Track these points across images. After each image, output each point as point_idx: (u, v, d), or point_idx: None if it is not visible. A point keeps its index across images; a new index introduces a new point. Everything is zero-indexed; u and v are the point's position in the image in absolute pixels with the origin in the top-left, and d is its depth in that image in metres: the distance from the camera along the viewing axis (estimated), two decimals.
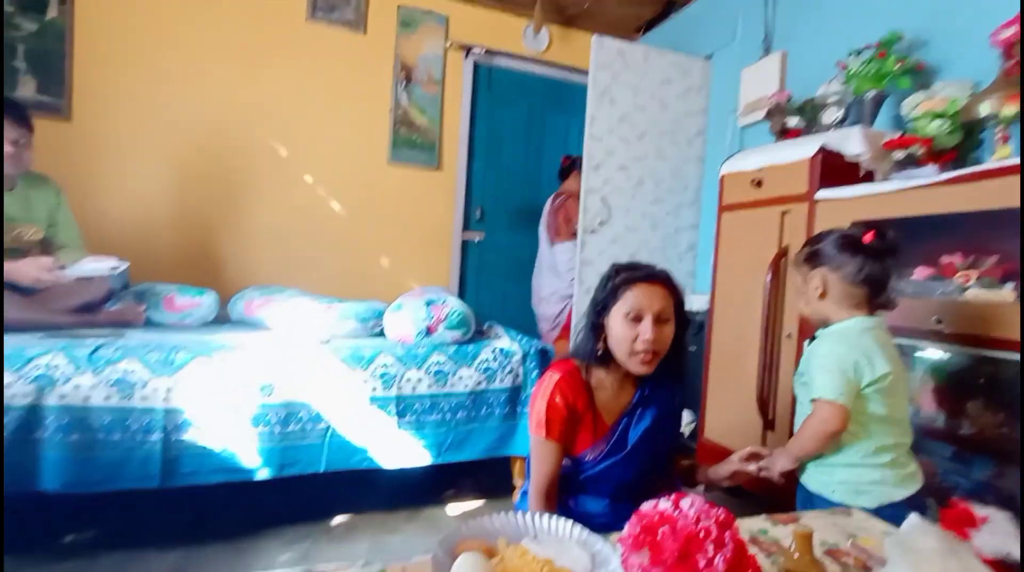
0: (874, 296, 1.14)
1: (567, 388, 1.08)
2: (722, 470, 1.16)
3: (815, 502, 1.14)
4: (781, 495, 1.29)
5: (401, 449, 1.71)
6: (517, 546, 0.77)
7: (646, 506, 0.69)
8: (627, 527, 0.68)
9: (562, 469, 1.13)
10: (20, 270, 1.66)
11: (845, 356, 1.09)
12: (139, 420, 1.44)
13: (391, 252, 3.20)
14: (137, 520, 1.61)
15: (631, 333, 1.05)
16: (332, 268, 3.03)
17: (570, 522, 0.84)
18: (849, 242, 1.14)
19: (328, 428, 1.63)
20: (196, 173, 2.76)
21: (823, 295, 1.16)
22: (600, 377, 1.13)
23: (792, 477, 1.19)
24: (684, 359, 1.20)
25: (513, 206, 3.52)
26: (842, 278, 1.13)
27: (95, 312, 1.86)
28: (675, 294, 1.10)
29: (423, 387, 1.76)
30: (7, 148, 1.68)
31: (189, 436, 1.48)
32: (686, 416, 2.48)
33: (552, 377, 1.10)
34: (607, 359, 1.11)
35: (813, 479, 1.16)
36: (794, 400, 1.36)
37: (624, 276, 1.08)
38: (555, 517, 0.85)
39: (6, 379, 1.35)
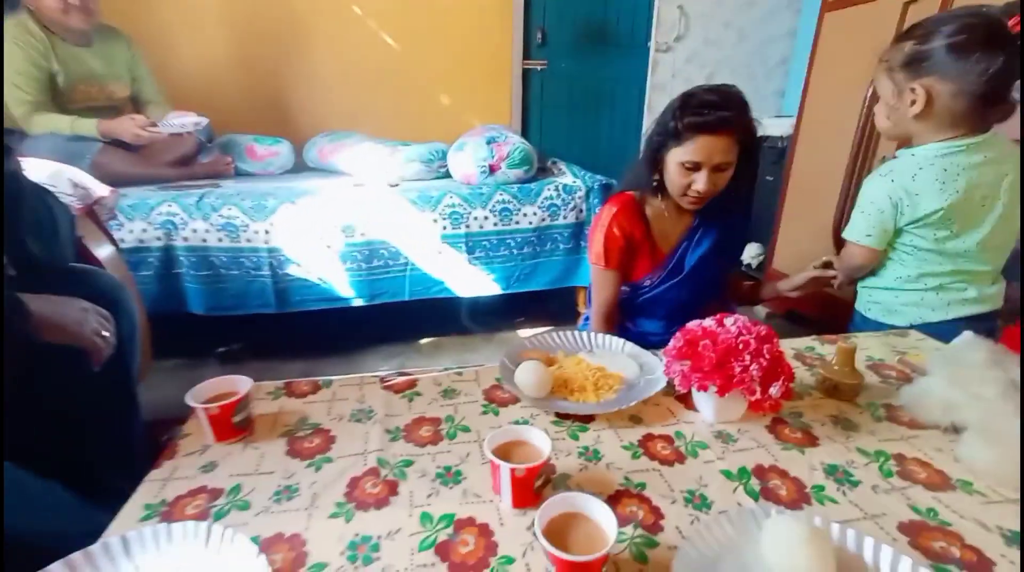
0: (990, 105, 0.95)
1: (624, 220, 1.11)
2: (796, 280, 1.19)
3: (855, 319, 1.20)
4: (837, 321, 1.32)
5: (473, 281, 1.88)
6: (574, 356, 0.89)
7: (692, 323, 0.76)
8: (672, 341, 0.75)
9: (621, 294, 1.21)
10: (119, 127, 1.80)
11: (885, 196, 1.02)
12: (249, 258, 1.67)
13: (450, 88, 3.07)
14: (271, 338, 1.96)
15: (684, 180, 1.01)
16: (394, 110, 2.99)
17: (622, 339, 0.94)
18: (978, 38, 0.89)
19: (407, 263, 1.81)
20: (252, 20, 2.67)
21: (922, 115, 0.97)
22: (657, 206, 1.13)
23: (845, 301, 1.21)
24: (750, 193, 1.16)
25: (578, 25, 3.14)
26: (956, 92, 0.93)
27: (190, 165, 2.04)
28: (745, 136, 1.00)
29: (489, 225, 1.84)
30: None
31: (292, 271, 1.71)
32: (754, 248, 2.45)
33: (609, 210, 1.12)
34: (663, 189, 1.09)
35: (858, 297, 1.20)
36: None
37: (690, 120, 0.97)
38: (608, 336, 0.96)
39: (138, 225, 1.58)
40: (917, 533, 0.54)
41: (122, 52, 1.97)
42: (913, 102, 0.98)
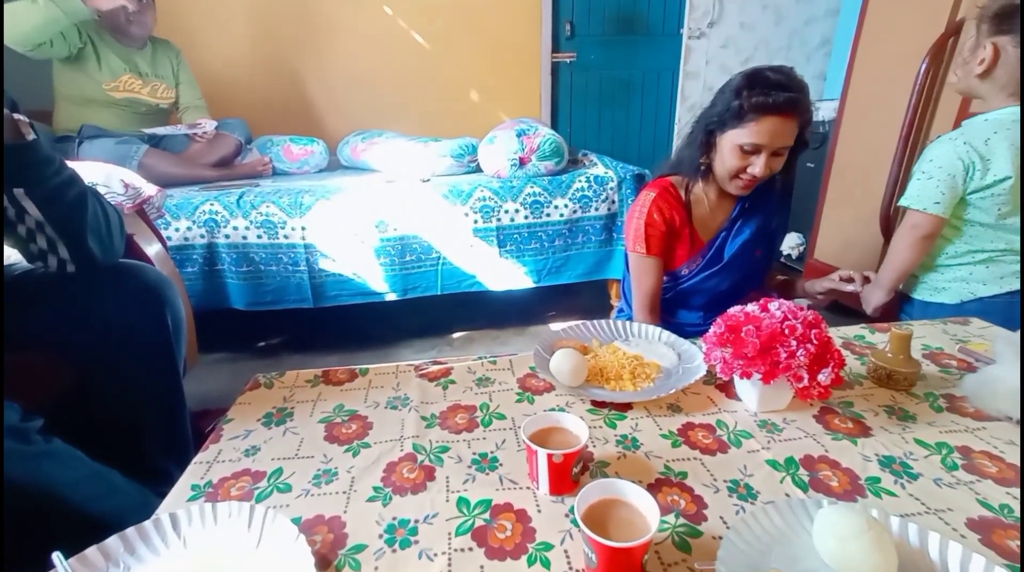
0: None
1: (664, 205, 1.07)
2: (818, 285, 1.13)
3: (903, 305, 1.13)
4: (884, 312, 1.26)
5: (505, 274, 1.88)
6: (609, 345, 0.87)
7: (734, 309, 0.73)
8: (712, 327, 0.73)
9: None
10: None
11: (956, 159, 0.96)
12: (287, 254, 1.71)
13: (479, 85, 3.07)
14: (308, 332, 2.01)
15: (740, 163, 0.96)
16: (424, 107, 3.02)
17: (657, 328, 0.92)
18: None
19: (440, 257, 1.82)
20: (282, 23, 2.74)
21: (986, 73, 0.94)
22: (698, 192, 1.09)
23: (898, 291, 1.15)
24: (791, 180, 1.11)
25: (606, 16, 3.09)
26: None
27: (230, 166, 2.11)
28: (804, 120, 0.94)
29: (520, 218, 1.83)
30: (130, 6, 1.79)
31: (327, 267, 1.75)
32: (794, 238, 2.36)
33: (648, 195, 1.09)
34: (708, 173, 1.06)
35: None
36: None
37: (757, 100, 0.91)
38: (643, 324, 0.93)
39: (183, 223, 1.65)
40: (990, 530, 0.50)
41: (168, 57, 2.07)
42: (982, 60, 0.94)
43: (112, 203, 0.97)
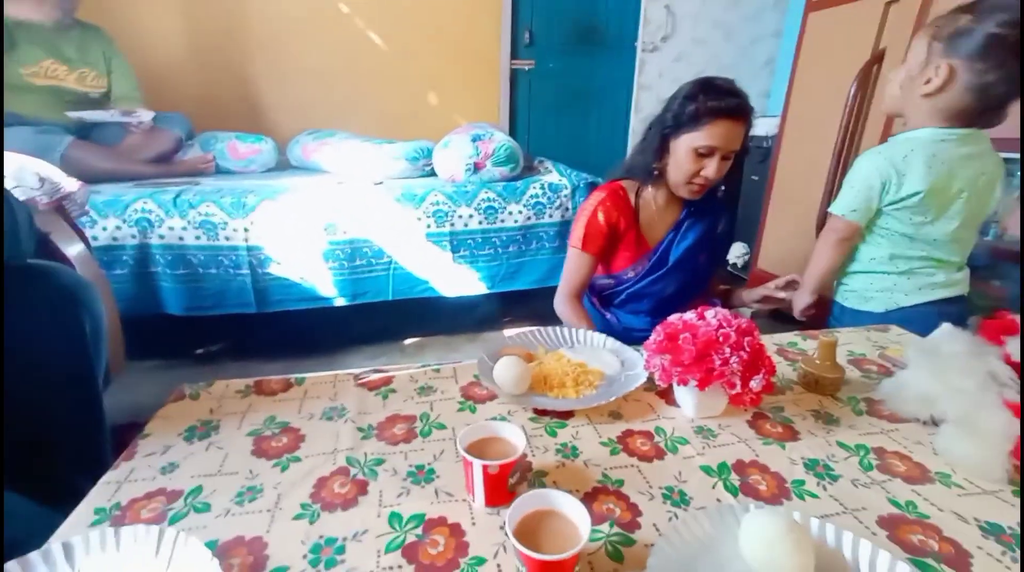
0: (992, 109, 0.95)
1: (611, 206, 1.10)
2: (754, 293, 1.20)
3: (834, 310, 1.21)
4: (819, 318, 1.32)
5: (458, 280, 1.86)
6: (554, 352, 0.87)
7: (672, 317, 0.74)
8: (652, 334, 0.74)
9: (604, 286, 1.21)
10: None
11: (875, 172, 1.03)
12: (228, 256, 1.63)
13: (438, 88, 3.05)
14: (251, 338, 1.92)
15: (694, 167, 1.01)
16: (380, 108, 2.96)
17: (603, 335, 0.93)
18: None
19: (391, 262, 1.78)
20: (225, 12, 2.63)
21: (936, 92, 0.95)
22: (647, 196, 1.13)
23: (828, 298, 1.21)
24: (737, 187, 1.17)
25: (565, 25, 3.14)
26: (980, 85, 0.91)
27: (170, 162, 2.00)
28: (748, 126, 1.01)
29: (474, 223, 1.82)
30: None
31: (272, 270, 1.68)
32: (739, 248, 2.45)
33: (597, 196, 1.12)
34: (660, 178, 1.09)
35: (837, 289, 1.21)
36: None
37: (712, 104, 0.96)
38: (589, 332, 0.94)
39: (111, 222, 1.54)
40: (896, 527, 0.53)
41: (99, 44, 1.93)
42: (928, 80, 0.96)
43: (23, 199, 0.90)
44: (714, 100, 0.96)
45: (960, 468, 0.61)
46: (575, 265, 1.14)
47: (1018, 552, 0.50)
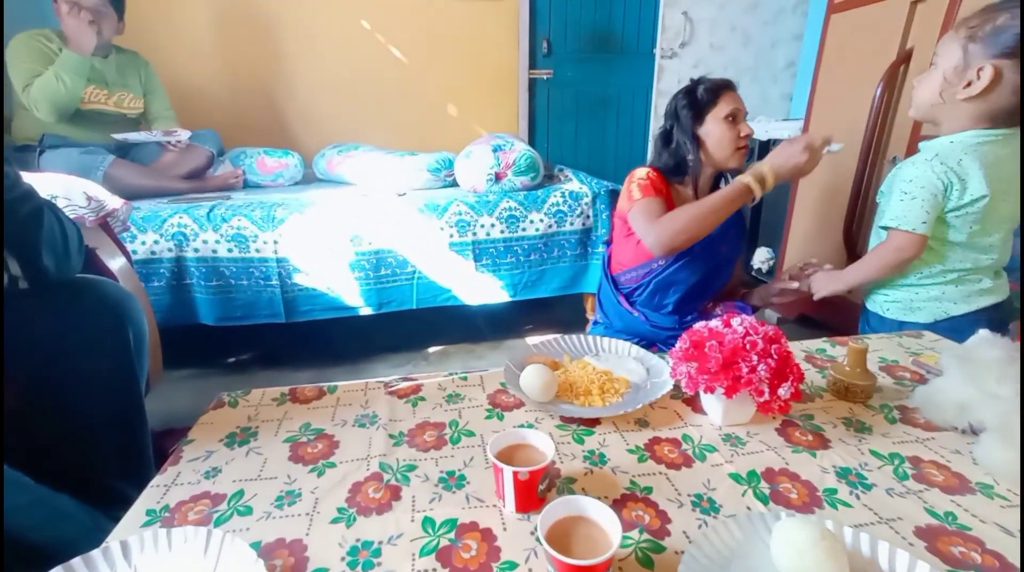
0: None
1: (656, 177, 1.19)
2: (771, 288, 1.21)
3: (871, 321, 1.16)
4: (848, 324, 1.30)
5: (481, 288, 1.88)
6: (579, 360, 0.88)
7: (698, 325, 0.75)
8: (678, 342, 0.74)
9: (631, 280, 1.25)
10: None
11: (936, 178, 0.98)
12: (258, 268, 1.69)
13: (457, 99, 3.10)
14: (280, 347, 1.98)
15: (733, 133, 1.16)
16: (402, 121, 3.03)
17: (628, 343, 0.93)
18: None
19: (415, 271, 1.81)
20: (253, 34, 2.72)
21: (982, 94, 0.91)
22: (679, 191, 1.23)
23: (857, 303, 1.18)
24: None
25: (582, 34, 3.16)
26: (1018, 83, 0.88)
27: (201, 178, 2.07)
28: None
29: (496, 232, 1.84)
30: (88, 17, 1.74)
31: (300, 281, 1.72)
32: (764, 253, 2.42)
33: (641, 169, 1.21)
34: (696, 168, 1.20)
35: (872, 298, 1.16)
36: None
37: (711, 83, 1.16)
38: (614, 339, 0.95)
39: (150, 237, 1.61)
40: (935, 538, 0.52)
41: (135, 67, 2.03)
42: (969, 84, 0.92)
43: (72, 217, 0.95)
44: (710, 83, 1.17)
45: (1002, 478, 0.60)
46: (647, 208, 1.11)
47: None
